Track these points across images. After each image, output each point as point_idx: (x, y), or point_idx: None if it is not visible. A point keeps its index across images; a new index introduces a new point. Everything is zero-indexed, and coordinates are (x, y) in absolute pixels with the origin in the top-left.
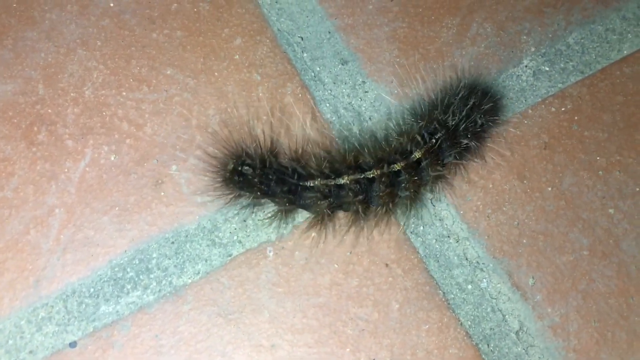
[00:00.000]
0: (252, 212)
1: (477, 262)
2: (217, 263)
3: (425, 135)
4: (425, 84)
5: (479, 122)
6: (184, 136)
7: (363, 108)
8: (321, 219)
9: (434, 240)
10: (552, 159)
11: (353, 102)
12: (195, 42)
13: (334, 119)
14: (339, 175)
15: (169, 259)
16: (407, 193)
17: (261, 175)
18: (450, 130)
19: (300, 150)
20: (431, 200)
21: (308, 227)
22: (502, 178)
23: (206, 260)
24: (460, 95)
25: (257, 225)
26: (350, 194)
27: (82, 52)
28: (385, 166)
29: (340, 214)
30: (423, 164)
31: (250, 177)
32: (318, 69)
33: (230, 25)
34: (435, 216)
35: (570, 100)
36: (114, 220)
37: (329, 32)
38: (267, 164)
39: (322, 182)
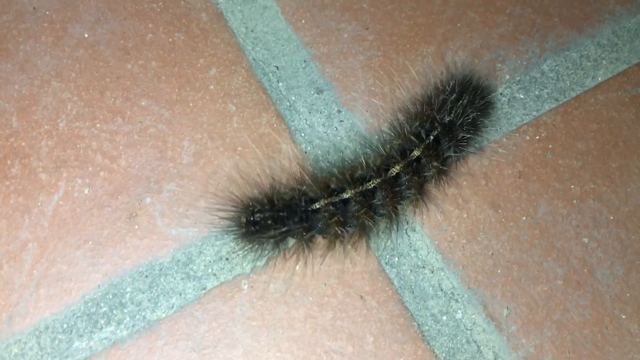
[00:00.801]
0: (277, 254)
1: (452, 292)
2: (191, 296)
3: (422, 133)
4: (413, 87)
5: (473, 116)
6: (158, 168)
7: (338, 137)
8: (334, 238)
9: (409, 271)
10: (527, 187)
11: (328, 132)
12: (170, 72)
13: (309, 148)
14: (342, 190)
15: (143, 293)
16: (410, 193)
17: (273, 216)
18: (446, 127)
19: (295, 177)
20: (406, 230)
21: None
22: (477, 207)
23: (180, 294)
24: (452, 92)
25: (232, 257)
26: (356, 206)
27: (56, 84)
28: (384, 173)
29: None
30: (423, 160)
31: (265, 222)
32: (293, 98)
33: (206, 55)
34: (411, 247)
35: (544, 128)
36: (88, 254)
37: (305, 61)
38: (273, 203)
39: (327, 201)
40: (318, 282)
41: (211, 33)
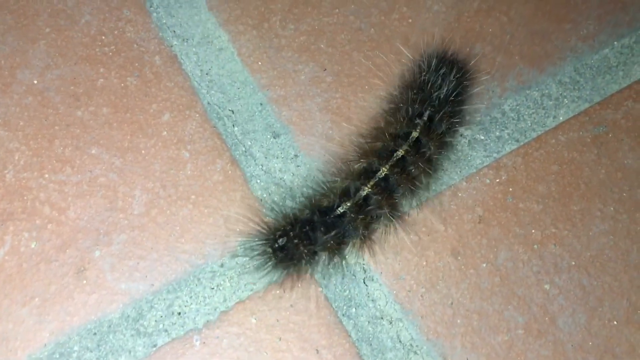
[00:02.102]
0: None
1: (411, 344)
2: (141, 354)
3: (414, 116)
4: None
5: (455, 90)
6: (108, 219)
7: (295, 183)
8: (363, 239)
9: (367, 323)
10: (487, 233)
11: (285, 177)
12: (122, 118)
13: (264, 195)
14: (358, 189)
15: (91, 351)
16: (418, 171)
17: (299, 236)
18: (433, 104)
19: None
20: (364, 279)
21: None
22: (436, 255)
23: (130, 352)
24: (430, 70)
25: (185, 312)
26: (377, 198)
27: (4, 133)
28: (392, 157)
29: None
30: (423, 141)
31: (292, 244)
32: (249, 143)
33: (159, 100)
34: (368, 297)
35: (505, 170)
36: (34, 311)
37: (261, 104)
38: (293, 222)
39: (351, 203)
40: (273, 336)
41: (165, 77)
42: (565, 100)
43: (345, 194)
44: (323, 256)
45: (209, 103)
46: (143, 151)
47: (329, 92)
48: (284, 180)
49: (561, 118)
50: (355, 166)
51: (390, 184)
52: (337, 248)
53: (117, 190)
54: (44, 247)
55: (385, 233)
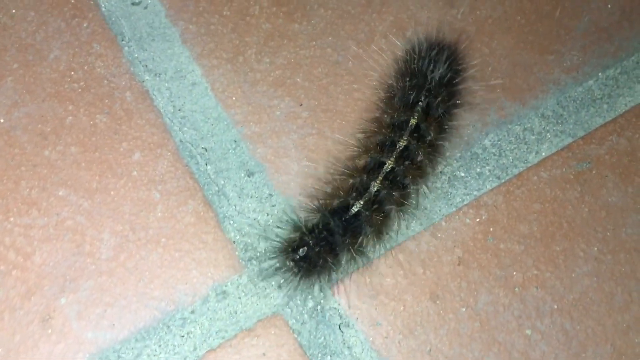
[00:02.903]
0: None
1: None
2: None
3: (410, 103)
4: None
5: (448, 74)
6: (75, 264)
7: (270, 223)
8: (380, 234)
9: None
10: (467, 276)
11: (259, 218)
12: (90, 158)
13: (237, 237)
14: (367, 187)
15: None
16: (422, 158)
17: (319, 242)
18: (428, 89)
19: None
20: (339, 325)
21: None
22: (414, 299)
23: None
24: (421, 56)
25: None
26: (388, 192)
27: None
28: (396, 149)
29: None
30: (422, 127)
31: (313, 252)
32: (222, 182)
33: (129, 138)
34: (344, 343)
35: (485, 209)
36: None
37: (235, 141)
38: (308, 230)
39: (364, 201)
40: None
41: (136, 114)
42: (548, 135)
43: (355, 192)
44: (344, 257)
45: (181, 141)
46: (112, 192)
47: (305, 128)
48: (257, 221)
49: (544, 154)
50: (360, 162)
51: (397, 175)
52: (358, 247)
53: (85, 233)
54: (8, 295)
55: (398, 226)
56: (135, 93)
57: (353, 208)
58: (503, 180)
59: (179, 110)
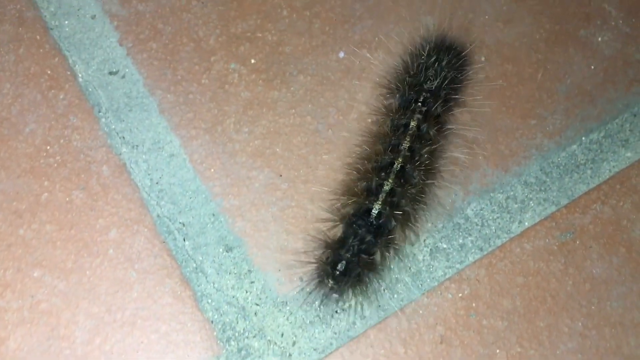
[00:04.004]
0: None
1: None
2: None
3: (411, 101)
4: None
5: (451, 75)
6: (50, 349)
7: (249, 301)
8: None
9: None
10: (449, 354)
11: (238, 295)
12: (66, 236)
13: (215, 317)
14: (381, 186)
15: None
16: (427, 152)
17: (354, 252)
18: (429, 90)
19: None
20: None
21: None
22: None
23: None
24: (428, 55)
25: None
26: (401, 190)
27: None
28: (401, 149)
29: None
30: (423, 127)
31: (352, 263)
32: (200, 258)
33: (106, 214)
34: None
35: (467, 284)
36: None
37: (213, 215)
38: (338, 243)
39: (382, 200)
40: None
41: (112, 189)
42: (531, 203)
43: (370, 194)
44: (380, 258)
45: (158, 216)
46: (88, 272)
47: (284, 200)
48: (236, 299)
49: (527, 223)
50: (369, 166)
51: (407, 173)
52: (390, 244)
53: (60, 316)
54: None
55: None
56: (112, 167)
57: (374, 210)
58: (486, 252)
59: (157, 183)
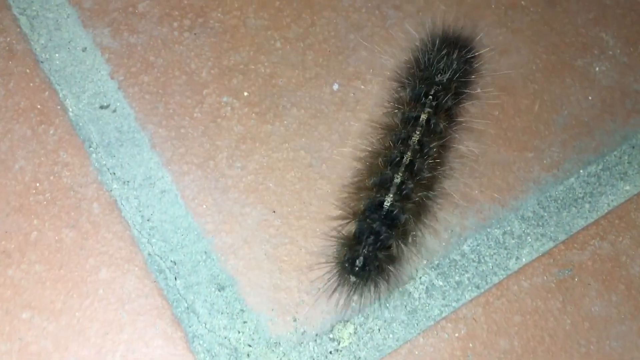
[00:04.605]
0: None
1: None
2: None
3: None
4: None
5: (461, 67)
6: None
7: (241, 342)
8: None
9: None
10: None
11: (230, 336)
12: (55, 276)
13: (207, 358)
14: (391, 179)
15: None
16: (436, 147)
17: (370, 246)
18: (439, 83)
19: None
20: None
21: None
22: None
23: None
24: (436, 50)
25: None
26: (411, 183)
27: None
28: (410, 143)
29: None
30: (432, 122)
31: (369, 258)
32: (192, 297)
33: (96, 253)
34: None
35: (464, 323)
36: None
37: (205, 253)
38: (354, 239)
39: (393, 194)
40: None
41: (103, 226)
42: (529, 239)
43: (381, 188)
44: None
45: (149, 254)
46: (77, 313)
47: (277, 237)
48: (228, 340)
49: (524, 260)
50: (379, 160)
51: (417, 165)
52: (405, 236)
53: (50, 359)
54: None
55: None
56: (103, 204)
57: (386, 203)
58: (482, 290)
59: (148, 220)
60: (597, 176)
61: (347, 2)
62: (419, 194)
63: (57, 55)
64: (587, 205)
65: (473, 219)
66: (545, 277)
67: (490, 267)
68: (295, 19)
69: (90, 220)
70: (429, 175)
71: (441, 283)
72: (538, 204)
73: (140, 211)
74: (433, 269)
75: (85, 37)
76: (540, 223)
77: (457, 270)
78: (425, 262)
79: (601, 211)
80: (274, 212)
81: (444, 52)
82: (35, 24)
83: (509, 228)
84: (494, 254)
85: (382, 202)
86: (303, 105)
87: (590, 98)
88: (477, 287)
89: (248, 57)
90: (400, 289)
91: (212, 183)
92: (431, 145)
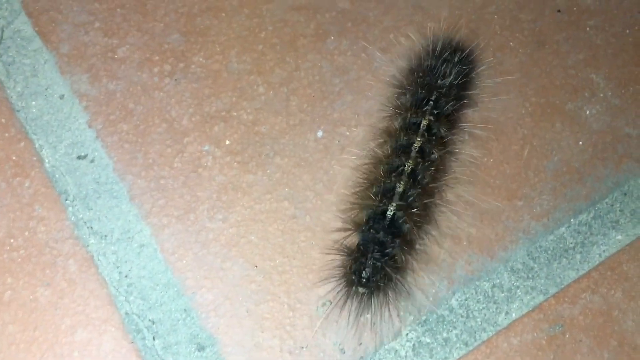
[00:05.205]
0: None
1: None
2: None
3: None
4: None
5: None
6: None
7: None
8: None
9: None
10: None
11: None
12: (30, 338)
13: None
14: (393, 188)
15: None
16: (437, 155)
17: (376, 257)
18: (438, 88)
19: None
20: None
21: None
22: None
23: None
24: (436, 55)
25: None
26: (414, 191)
27: None
28: (411, 150)
29: None
30: (434, 128)
31: (375, 268)
32: (171, 358)
33: (71, 313)
34: None
35: None
36: None
37: (185, 310)
38: (359, 251)
39: (396, 203)
40: None
41: (79, 284)
42: (519, 292)
43: (384, 198)
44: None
45: (127, 313)
46: None
47: (259, 293)
48: None
49: (514, 315)
50: (380, 170)
51: (419, 173)
52: (409, 245)
53: None
54: None
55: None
56: (79, 260)
57: (389, 212)
58: (471, 348)
59: (126, 276)
60: (588, 225)
61: (332, 45)
62: (423, 202)
63: (33, 103)
64: (578, 256)
65: (461, 271)
66: (535, 334)
67: (479, 323)
68: (278, 63)
69: (66, 278)
70: (431, 182)
71: (429, 340)
72: (528, 255)
73: (117, 267)
74: (420, 325)
75: (63, 84)
76: (530, 275)
77: (445, 327)
78: (412, 317)
79: (592, 262)
80: (256, 266)
81: (444, 57)
82: (11, 70)
83: (498, 281)
84: (483, 308)
85: (385, 212)
86: (286, 154)
87: (580, 143)
88: (466, 345)
89: (230, 103)
90: (387, 346)
91: (192, 236)
92: (433, 152)
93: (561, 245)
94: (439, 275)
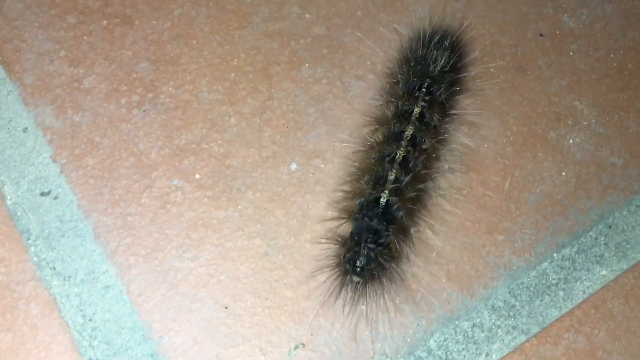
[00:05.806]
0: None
1: None
2: None
3: (413, 89)
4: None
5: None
6: None
7: None
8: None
9: None
10: None
11: None
12: None
13: None
14: (386, 176)
15: None
16: (429, 143)
17: (369, 246)
18: (430, 74)
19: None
20: None
21: None
22: None
23: None
24: (424, 43)
25: None
26: (405, 179)
27: None
28: (403, 138)
29: None
30: (426, 115)
31: (369, 257)
32: None
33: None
34: None
35: None
36: None
37: (152, 356)
38: (352, 239)
39: (389, 188)
40: None
41: (41, 329)
42: (500, 332)
43: (376, 185)
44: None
45: (91, 359)
46: None
47: (229, 336)
48: None
49: (494, 356)
50: (372, 157)
51: (411, 160)
52: (402, 232)
53: None
54: None
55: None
56: (41, 303)
57: (382, 199)
58: None
59: (90, 320)
60: (571, 260)
61: (306, 73)
62: (415, 188)
63: None
64: (561, 293)
65: (440, 310)
66: None
67: None
68: (251, 92)
69: (28, 323)
70: (423, 169)
71: None
72: (509, 293)
73: (81, 310)
74: None
75: (27, 116)
76: (511, 314)
77: None
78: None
79: (576, 299)
80: (226, 308)
81: (435, 43)
82: None
83: (478, 320)
84: (463, 349)
85: (378, 199)
86: (259, 188)
87: (564, 173)
88: None
89: (200, 135)
90: None
91: (160, 276)
92: (425, 140)
93: (544, 282)
94: (416, 315)
